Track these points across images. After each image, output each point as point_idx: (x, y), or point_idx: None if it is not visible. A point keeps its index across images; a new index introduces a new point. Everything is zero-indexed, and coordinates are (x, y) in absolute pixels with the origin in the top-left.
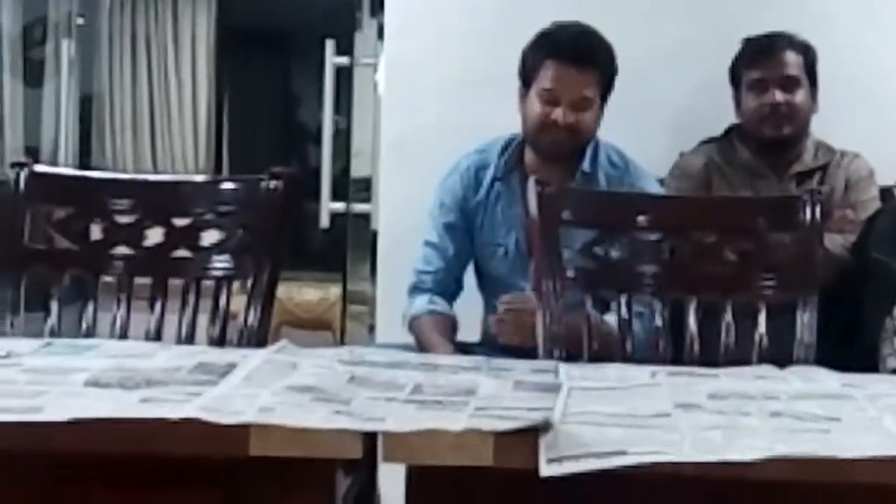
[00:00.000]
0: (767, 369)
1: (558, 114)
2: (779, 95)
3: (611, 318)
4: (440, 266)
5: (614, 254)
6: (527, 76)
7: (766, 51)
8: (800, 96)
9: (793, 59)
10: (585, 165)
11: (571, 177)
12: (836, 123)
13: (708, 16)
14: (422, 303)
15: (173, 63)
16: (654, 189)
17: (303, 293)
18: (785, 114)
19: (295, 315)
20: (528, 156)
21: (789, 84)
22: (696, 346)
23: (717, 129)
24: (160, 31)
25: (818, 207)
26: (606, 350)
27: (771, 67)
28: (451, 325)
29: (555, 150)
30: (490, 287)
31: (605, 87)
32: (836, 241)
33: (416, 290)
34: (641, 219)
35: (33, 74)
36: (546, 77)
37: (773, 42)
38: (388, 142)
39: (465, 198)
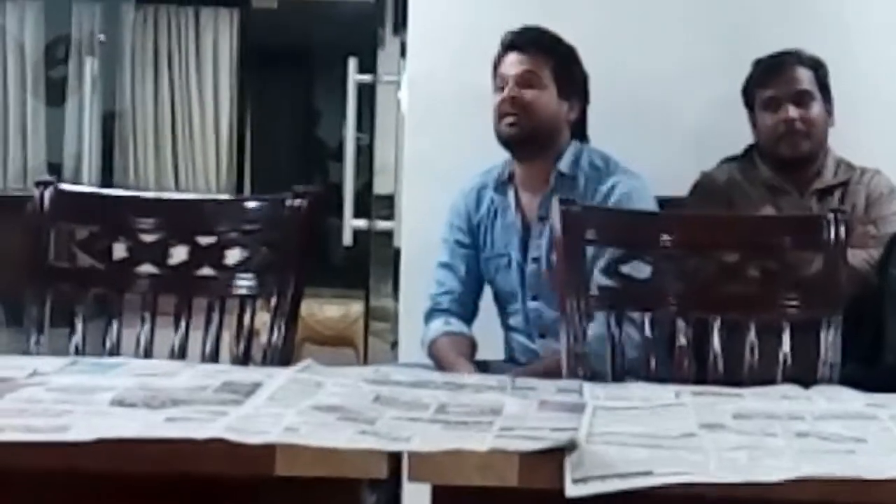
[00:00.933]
0: (792, 389)
1: (506, 91)
2: (793, 111)
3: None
4: (454, 286)
5: (638, 272)
6: (494, 80)
7: (777, 68)
8: (814, 111)
9: (804, 75)
10: (563, 166)
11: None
12: (856, 140)
13: (728, 34)
14: (438, 325)
15: (196, 79)
16: (633, 186)
17: (324, 310)
18: (801, 129)
19: (317, 332)
20: (516, 165)
21: (803, 99)
22: (721, 365)
23: (739, 147)
24: (183, 47)
25: (843, 227)
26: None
27: (782, 84)
28: (469, 344)
29: (510, 134)
30: (503, 301)
31: (561, 75)
32: (858, 256)
33: (432, 313)
34: (665, 237)
35: (55, 93)
36: (500, 67)
37: (782, 59)
38: (410, 159)
39: (469, 217)
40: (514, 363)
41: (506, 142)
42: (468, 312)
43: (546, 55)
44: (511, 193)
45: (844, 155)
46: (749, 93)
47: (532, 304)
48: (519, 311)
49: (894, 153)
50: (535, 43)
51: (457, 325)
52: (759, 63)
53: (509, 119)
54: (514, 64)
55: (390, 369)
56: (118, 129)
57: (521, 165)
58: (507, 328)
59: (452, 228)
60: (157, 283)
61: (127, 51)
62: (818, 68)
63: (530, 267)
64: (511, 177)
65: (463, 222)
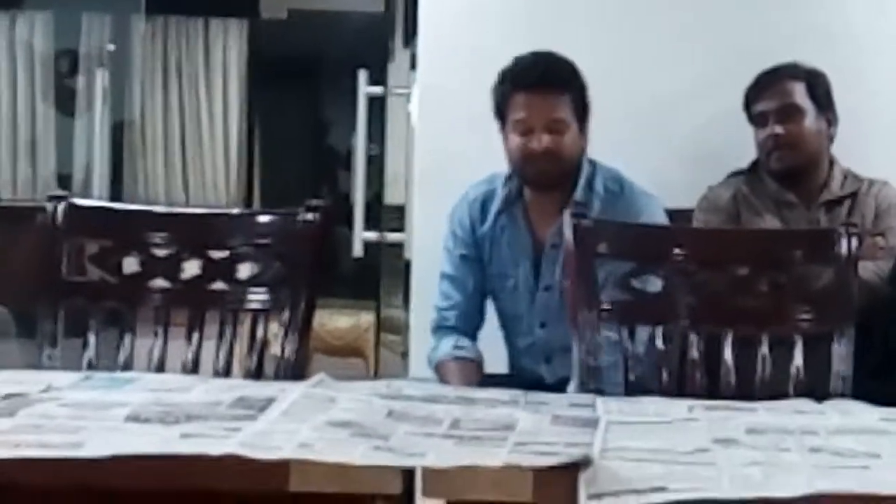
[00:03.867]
0: (805, 403)
1: (535, 141)
2: (777, 127)
3: None
4: (460, 300)
5: (650, 286)
6: (501, 113)
7: (766, 83)
8: (804, 124)
9: (793, 88)
10: (578, 195)
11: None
12: (864, 152)
13: (732, 48)
14: (447, 347)
15: (205, 91)
16: (652, 211)
17: (334, 320)
18: (786, 144)
19: (326, 342)
20: (526, 189)
21: (790, 113)
22: (733, 379)
23: (744, 161)
24: (192, 58)
25: (854, 240)
26: None
27: (769, 99)
28: (476, 369)
29: (541, 179)
30: (509, 323)
31: (579, 108)
32: (867, 268)
33: (440, 329)
34: (677, 251)
35: (65, 104)
36: (516, 108)
37: (773, 73)
38: (421, 171)
39: (474, 229)
40: (519, 378)
41: (530, 183)
42: (475, 325)
43: (562, 89)
44: (520, 214)
45: (852, 166)
46: (747, 108)
47: (539, 332)
48: (526, 335)
49: None
50: (549, 77)
51: (466, 345)
52: (756, 77)
53: (537, 167)
54: (536, 107)
55: (402, 383)
56: (128, 139)
57: (535, 193)
58: (512, 346)
59: (457, 240)
60: (170, 297)
61: (136, 62)
62: (813, 80)
63: (541, 294)
64: (520, 193)
65: (467, 235)
